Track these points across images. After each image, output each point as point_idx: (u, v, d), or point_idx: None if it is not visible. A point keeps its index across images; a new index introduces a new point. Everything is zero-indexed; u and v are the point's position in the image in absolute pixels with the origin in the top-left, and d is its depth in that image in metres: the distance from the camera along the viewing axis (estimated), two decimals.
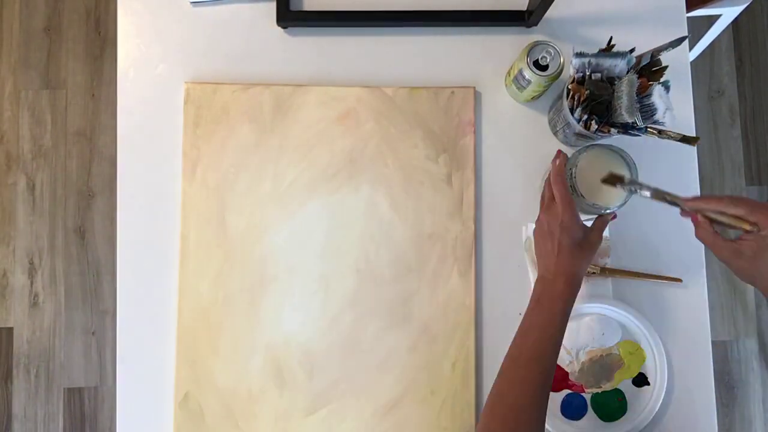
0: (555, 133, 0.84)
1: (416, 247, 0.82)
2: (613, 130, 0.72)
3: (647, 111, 0.70)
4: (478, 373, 0.81)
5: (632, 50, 0.73)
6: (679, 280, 0.83)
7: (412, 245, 0.82)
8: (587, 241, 0.70)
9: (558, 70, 0.75)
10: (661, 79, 0.73)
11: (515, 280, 0.83)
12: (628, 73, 0.72)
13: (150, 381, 0.81)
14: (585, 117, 0.73)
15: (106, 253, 1.65)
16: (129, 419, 0.81)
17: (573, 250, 0.68)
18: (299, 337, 0.81)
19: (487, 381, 0.81)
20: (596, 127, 0.72)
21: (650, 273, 0.83)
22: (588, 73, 0.72)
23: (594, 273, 0.82)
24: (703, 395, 0.82)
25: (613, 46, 0.74)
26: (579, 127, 0.73)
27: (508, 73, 0.83)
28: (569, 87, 0.73)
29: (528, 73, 0.76)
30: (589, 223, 0.73)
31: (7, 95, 1.68)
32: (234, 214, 0.82)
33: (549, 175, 0.72)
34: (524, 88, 0.80)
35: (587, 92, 0.71)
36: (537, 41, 0.76)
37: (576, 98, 0.72)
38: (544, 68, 0.75)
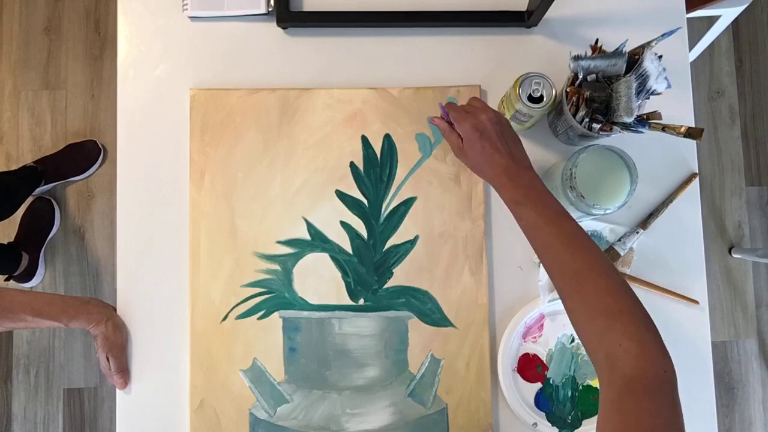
0: (557, 136, 0.84)
1: (427, 247, 0.82)
2: (615, 128, 0.72)
3: (641, 77, 0.70)
4: (493, 370, 0.81)
5: (625, 42, 0.73)
6: (696, 302, 0.83)
7: (422, 245, 0.82)
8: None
9: (554, 96, 0.75)
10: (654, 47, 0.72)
11: (526, 277, 0.83)
12: (626, 74, 0.72)
13: (155, 385, 0.81)
14: (586, 119, 0.73)
15: (106, 253, 1.64)
16: (129, 421, 0.81)
17: (513, 133, 0.68)
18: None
19: (502, 378, 0.81)
20: (598, 127, 0.72)
21: (668, 288, 0.83)
22: (583, 75, 0.72)
23: None
24: (703, 395, 0.82)
25: (600, 47, 0.74)
26: (582, 129, 0.73)
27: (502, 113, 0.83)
28: (567, 90, 0.73)
29: (527, 110, 0.76)
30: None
31: (7, 95, 1.68)
32: (243, 220, 0.82)
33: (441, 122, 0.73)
34: (525, 122, 0.80)
35: (587, 93, 0.71)
36: (522, 76, 0.75)
37: (576, 101, 0.72)
38: (539, 99, 0.75)
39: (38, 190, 1.60)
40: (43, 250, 1.62)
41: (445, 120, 0.72)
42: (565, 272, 0.58)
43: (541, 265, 0.81)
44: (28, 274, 1.58)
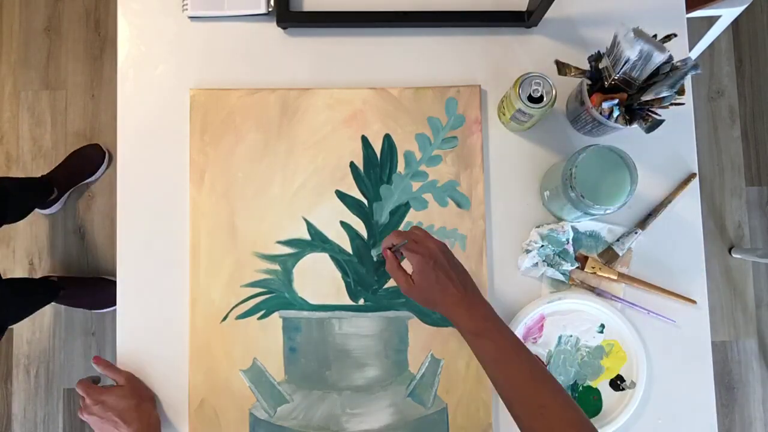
0: (577, 129, 0.84)
1: None
2: (643, 122, 0.73)
3: (618, 60, 0.71)
4: None
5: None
6: (693, 302, 0.83)
7: None
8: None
9: (554, 96, 0.75)
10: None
11: (526, 277, 0.83)
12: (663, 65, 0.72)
13: (155, 385, 0.81)
14: (617, 114, 0.73)
15: (106, 254, 1.64)
16: None
17: (459, 262, 0.67)
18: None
19: None
20: (643, 123, 0.73)
21: (668, 289, 0.83)
22: (630, 57, 0.71)
23: (613, 279, 0.82)
24: (703, 395, 0.82)
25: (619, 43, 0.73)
26: (621, 126, 0.74)
27: (502, 113, 0.83)
28: (588, 82, 0.73)
29: (528, 110, 0.75)
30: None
31: (7, 95, 1.68)
32: (243, 220, 0.82)
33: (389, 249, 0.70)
34: (525, 122, 0.80)
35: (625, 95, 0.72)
36: (522, 76, 0.75)
37: (615, 104, 0.73)
38: (539, 99, 0.75)
39: (55, 206, 1.61)
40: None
41: (392, 253, 0.69)
42: (530, 406, 0.59)
43: (526, 251, 0.81)
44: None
